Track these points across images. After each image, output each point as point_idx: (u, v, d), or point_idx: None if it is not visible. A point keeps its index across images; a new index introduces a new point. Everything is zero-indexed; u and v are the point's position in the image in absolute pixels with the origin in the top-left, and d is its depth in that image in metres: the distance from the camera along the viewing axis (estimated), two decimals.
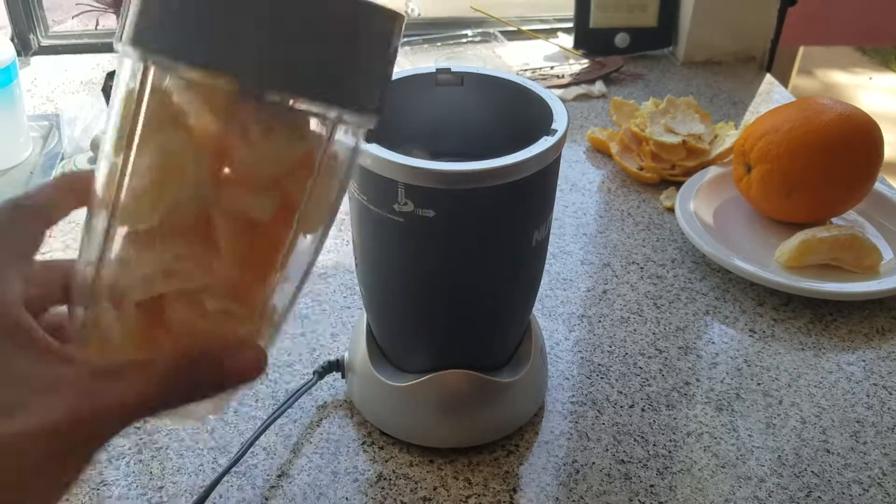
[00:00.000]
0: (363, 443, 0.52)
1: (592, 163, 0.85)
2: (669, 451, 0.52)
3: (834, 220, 0.71)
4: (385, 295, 0.49)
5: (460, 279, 0.46)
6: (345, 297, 0.65)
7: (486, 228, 0.44)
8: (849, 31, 2.11)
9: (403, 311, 0.49)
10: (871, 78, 2.87)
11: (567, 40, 1.08)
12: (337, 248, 0.70)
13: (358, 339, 0.53)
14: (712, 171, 0.76)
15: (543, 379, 0.55)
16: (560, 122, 0.44)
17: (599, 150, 0.86)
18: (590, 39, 1.05)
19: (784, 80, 0.95)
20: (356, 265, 0.50)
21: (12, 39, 0.99)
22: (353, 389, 0.54)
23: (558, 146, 0.43)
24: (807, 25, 1.90)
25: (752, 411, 0.56)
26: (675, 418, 0.55)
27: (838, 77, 2.87)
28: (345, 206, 0.36)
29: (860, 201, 0.69)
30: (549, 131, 0.43)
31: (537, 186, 0.44)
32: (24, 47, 1.00)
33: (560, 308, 0.64)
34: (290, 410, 0.54)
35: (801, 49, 2.27)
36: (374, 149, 0.42)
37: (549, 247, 0.51)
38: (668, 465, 0.51)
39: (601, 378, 0.58)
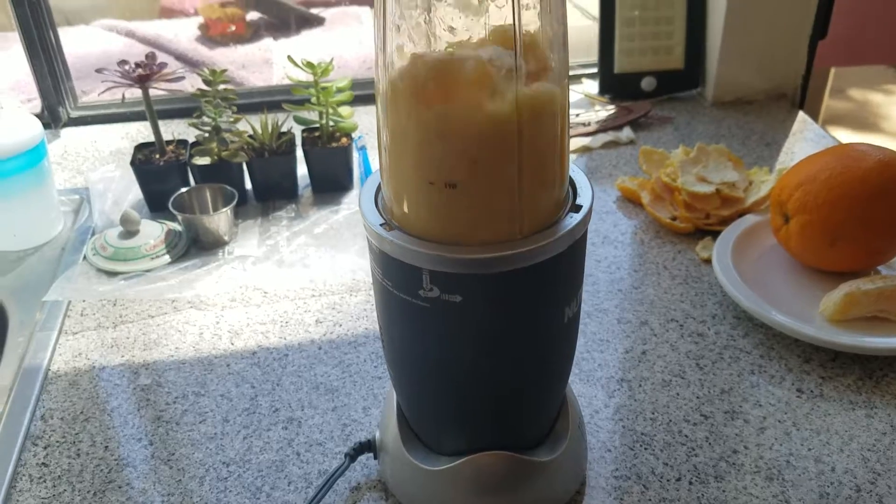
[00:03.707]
0: None
1: (624, 213, 0.83)
2: None
3: (880, 268, 0.69)
4: (414, 378, 0.47)
5: (490, 362, 0.44)
6: (375, 366, 0.64)
7: (515, 311, 0.42)
8: (881, 51, 2.07)
9: (433, 394, 0.47)
10: None
11: (592, 86, 1.07)
12: (366, 315, 0.69)
13: (389, 419, 0.52)
14: (749, 219, 0.74)
15: (583, 453, 0.53)
16: (585, 196, 0.43)
17: (630, 200, 0.85)
18: (615, 85, 1.04)
19: (817, 101, 0.92)
20: (383, 347, 0.48)
21: (42, 113, 1.01)
22: (385, 471, 0.53)
23: (584, 222, 0.42)
24: (838, 48, 1.87)
25: (803, 480, 0.53)
26: (724, 491, 0.52)
27: (871, 96, 2.83)
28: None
29: None
30: (573, 207, 0.42)
31: (565, 264, 0.42)
32: (53, 120, 1.02)
33: (598, 372, 0.62)
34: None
35: (833, 70, 2.24)
36: (397, 236, 0.41)
37: (583, 305, 0.49)
38: None
39: (645, 449, 0.55)
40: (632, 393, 0.60)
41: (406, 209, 0.41)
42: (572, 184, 0.44)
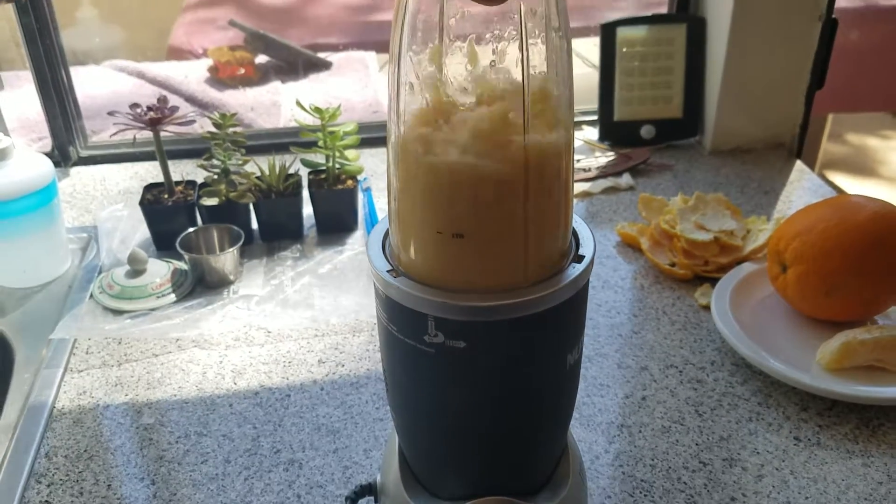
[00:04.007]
0: None
1: (624, 258, 0.84)
2: None
3: (877, 318, 0.69)
4: (416, 422, 0.48)
5: (493, 408, 0.45)
6: (377, 408, 0.64)
7: (518, 357, 0.43)
8: (877, 99, 2.11)
9: (435, 439, 0.48)
10: None
11: (592, 133, 1.09)
12: (368, 356, 0.70)
13: (390, 462, 0.52)
14: (747, 267, 0.75)
15: (584, 499, 0.54)
16: (587, 247, 0.44)
17: (630, 245, 0.86)
18: (615, 132, 1.06)
19: (814, 146, 0.94)
20: (386, 389, 0.49)
21: (53, 151, 1.03)
22: None
23: (587, 272, 0.43)
24: (835, 96, 1.90)
25: None
26: None
27: (869, 141, 2.86)
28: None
29: None
30: (576, 257, 0.43)
31: (569, 312, 0.43)
32: (63, 159, 1.03)
33: (598, 417, 0.63)
34: None
35: (831, 116, 2.27)
36: (403, 283, 0.42)
37: (583, 349, 0.50)
38: None
39: (644, 496, 0.56)
40: (632, 439, 0.61)
41: (413, 256, 0.42)
42: (575, 234, 0.45)
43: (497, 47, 0.37)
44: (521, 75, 0.37)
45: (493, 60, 0.38)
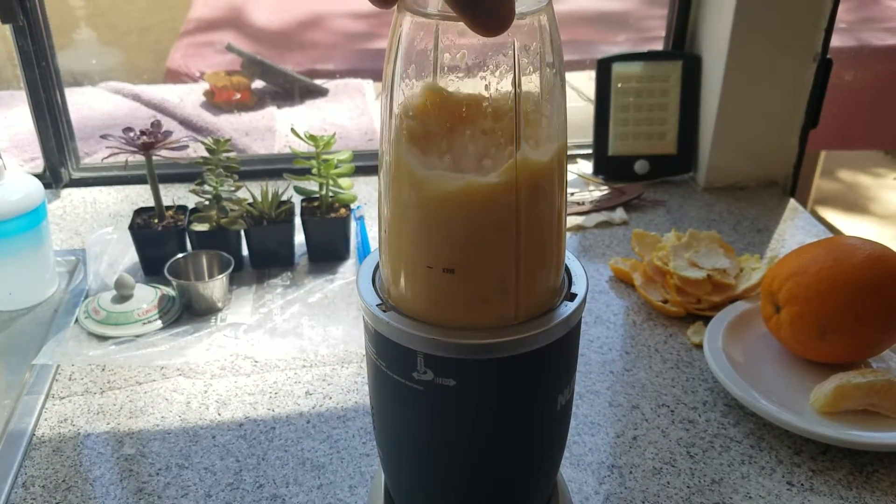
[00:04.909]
0: None
1: (616, 293, 0.84)
2: None
3: (872, 360, 0.69)
4: (403, 460, 0.47)
5: (482, 447, 0.44)
6: (364, 442, 0.63)
7: (508, 397, 0.42)
8: (871, 137, 2.12)
9: (423, 477, 0.47)
10: (894, 178, 2.87)
11: (587, 166, 1.09)
12: (356, 388, 0.69)
13: (376, 501, 0.51)
14: (740, 306, 0.75)
15: None
16: (580, 285, 0.44)
17: (623, 280, 0.85)
18: (609, 166, 1.06)
19: (807, 183, 0.94)
20: (374, 426, 0.48)
21: (44, 172, 1.02)
22: None
23: (579, 311, 0.42)
24: (829, 134, 1.92)
25: None
26: None
27: (861, 178, 2.88)
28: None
29: None
30: (568, 295, 0.43)
31: (560, 352, 0.43)
32: (55, 180, 1.03)
33: (588, 456, 0.62)
34: None
35: (823, 153, 2.28)
36: (393, 318, 0.41)
37: (575, 387, 0.49)
38: None
39: None
40: (622, 480, 0.60)
41: (403, 290, 0.42)
42: (567, 271, 0.45)
43: (490, 81, 0.37)
44: (513, 99, 0.37)
45: (487, 85, 0.37)
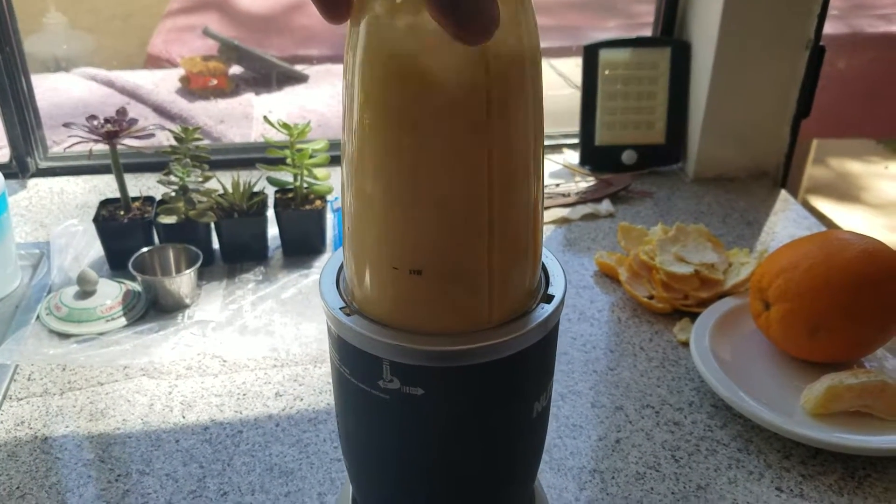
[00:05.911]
0: None
1: (601, 288, 0.81)
2: None
3: (864, 360, 0.66)
4: (371, 472, 0.44)
5: (453, 459, 0.41)
6: (335, 447, 0.60)
7: (480, 406, 0.39)
8: (863, 125, 2.11)
9: (390, 489, 0.44)
10: (886, 167, 2.85)
11: (573, 157, 1.07)
12: (329, 389, 0.66)
13: None
14: (728, 302, 0.72)
15: None
16: (557, 286, 0.41)
17: (608, 275, 0.83)
18: (596, 156, 1.03)
19: (798, 172, 0.92)
20: (339, 437, 0.45)
21: (11, 162, 0.99)
22: None
23: (556, 313, 0.40)
24: (820, 122, 1.90)
25: None
26: None
27: (853, 167, 2.86)
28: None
29: (890, 339, 0.65)
30: (545, 297, 0.40)
31: (536, 357, 0.40)
32: (21, 170, 0.99)
33: (569, 461, 0.59)
34: None
35: (815, 141, 2.26)
36: (356, 322, 0.38)
37: (556, 385, 0.46)
38: None
39: None
40: (604, 486, 0.57)
41: (368, 293, 0.39)
42: (545, 271, 0.42)
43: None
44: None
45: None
